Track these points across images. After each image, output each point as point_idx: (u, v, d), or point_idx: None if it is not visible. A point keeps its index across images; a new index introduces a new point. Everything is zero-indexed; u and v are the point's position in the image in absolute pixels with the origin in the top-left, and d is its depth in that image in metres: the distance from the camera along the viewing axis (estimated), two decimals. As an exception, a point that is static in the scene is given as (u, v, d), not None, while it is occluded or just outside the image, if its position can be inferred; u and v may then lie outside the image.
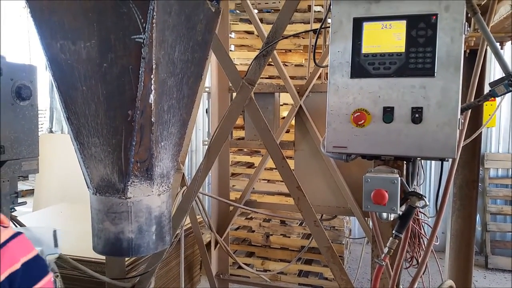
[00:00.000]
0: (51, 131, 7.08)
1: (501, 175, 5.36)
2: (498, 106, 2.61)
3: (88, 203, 1.39)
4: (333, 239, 4.23)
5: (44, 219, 3.47)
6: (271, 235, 4.44)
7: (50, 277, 0.93)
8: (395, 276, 1.46)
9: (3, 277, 0.80)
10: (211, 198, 3.31)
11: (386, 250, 1.35)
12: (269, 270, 4.31)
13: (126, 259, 2.29)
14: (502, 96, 1.48)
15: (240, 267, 4.24)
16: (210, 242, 3.32)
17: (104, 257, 2.25)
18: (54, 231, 1.52)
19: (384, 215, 1.32)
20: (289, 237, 4.38)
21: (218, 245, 3.28)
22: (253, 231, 4.53)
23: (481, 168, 5.07)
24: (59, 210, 3.84)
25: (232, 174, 4.47)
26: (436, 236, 2.55)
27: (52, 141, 5.78)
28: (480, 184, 3.35)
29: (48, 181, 5.06)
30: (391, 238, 1.35)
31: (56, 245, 1.66)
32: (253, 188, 3.71)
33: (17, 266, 0.83)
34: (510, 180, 5.28)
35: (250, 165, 4.59)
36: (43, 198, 4.95)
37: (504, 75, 1.41)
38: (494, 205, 5.23)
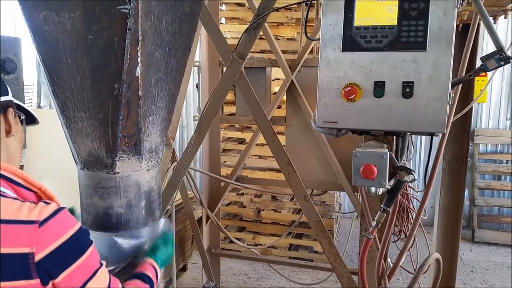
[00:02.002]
0: (39, 106, 6.98)
1: (490, 150, 5.42)
2: (489, 81, 2.61)
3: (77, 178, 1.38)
4: (323, 214, 4.28)
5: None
6: (262, 210, 4.48)
7: (92, 248, 0.98)
8: (382, 249, 1.49)
9: (42, 255, 0.83)
10: (202, 174, 3.31)
11: (374, 223, 1.37)
12: (260, 245, 4.37)
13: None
14: (493, 72, 1.47)
15: (231, 242, 4.29)
16: (201, 217, 3.34)
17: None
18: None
19: (373, 189, 1.33)
20: (280, 212, 4.43)
21: (210, 220, 3.30)
22: (244, 207, 4.57)
23: (470, 144, 5.12)
24: (50, 186, 3.82)
25: (223, 150, 4.46)
26: (425, 210, 2.59)
27: (40, 116, 5.71)
28: (469, 159, 3.39)
29: (38, 157, 5.02)
30: (379, 212, 1.36)
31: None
32: (244, 164, 3.71)
33: (58, 243, 0.87)
34: (499, 156, 5.35)
35: (241, 141, 4.59)
36: (33, 174, 4.91)
37: (496, 49, 1.40)
38: (483, 180, 5.32)
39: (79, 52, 1.17)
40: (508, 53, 1.37)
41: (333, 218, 4.31)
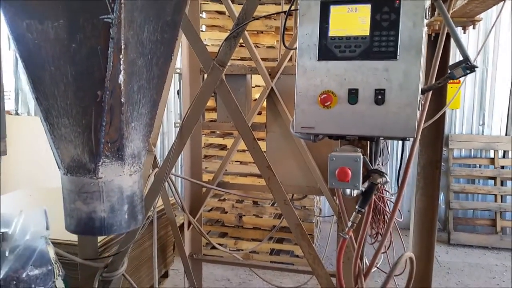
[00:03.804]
0: (17, 113, 6.87)
1: (464, 155, 5.60)
2: (459, 89, 2.72)
3: (57, 186, 1.39)
4: (303, 218, 4.35)
5: (12, 202, 3.41)
6: (244, 215, 4.51)
7: None
8: (358, 249, 1.55)
9: None
10: (183, 180, 3.33)
11: (349, 224, 1.43)
12: (242, 250, 4.40)
13: (99, 240, 2.31)
14: (464, 78, 1.56)
15: (213, 248, 4.31)
16: (183, 224, 3.35)
17: (75, 239, 2.25)
18: (45, 211, 1.51)
19: (348, 191, 1.39)
20: (261, 217, 4.47)
21: (191, 226, 3.31)
22: (226, 212, 4.60)
23: (445, 148, 5.28)
24: (27, 194, 3.78)
25: (205, 156, 4.49)
26: (400, 213, 2.67)
27: (18, 123, 5.63)
28: (443, 164, 3.51)
29: (15, 165, 4.94)
30: (354, 213, 1.42)
31: (47, 227, 1.67)
32: (226, 170, 3.75)
33: None
34: (473, 160, 5.53)
35: (222, 147, 4.62)
36: (11, 182, 4.84)
37: (462, 58, 1.49)
38: (457, 184, 5.48)
39: (62, 60, 1.20)
40: (479, 60, 1.46)
41: (313, 223, 4.38)
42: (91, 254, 2.21)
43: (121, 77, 1.21)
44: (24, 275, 1.65)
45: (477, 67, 1.48)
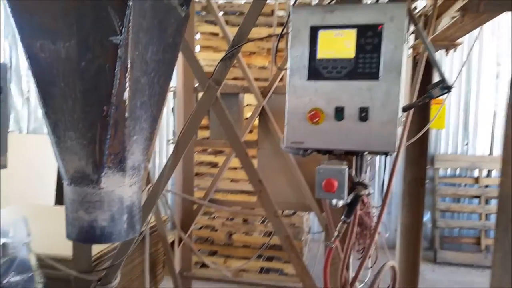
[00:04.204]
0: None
1: (449, 174, 5.75)
2: (440, 108, 2.87)
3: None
4: (293, 236, 4.41)
5: (3, 219, 3.42)
6: (234, 233, 4.57)
7: None
8: (344, 259, 1.63)
9: None
10: (174, 198, 3.40)
11: (336, 233, 1.52)
12: (232, 269, 4.43)
13: (93, 254, 2.35)
14: (449, 99, 1.68)
15: (203, 266, 4.34)
16: (173, 241, 3.39)
17: (68, 254, 2.29)
18: (25, 219, 1.57)
19: (334, 201, 1.49)
20: (251, 235, 4.53)
21: (182, 243, 3.36)
22: (216, 230, 4.65)
23: (429, 167, 5.42)
24: (18, 211, 3.79)
25: (197, 174, 4.56)
26: (386, 228, 2.76)
27: (10, 141, 5.65)
28: (427, 181, 3.63)
29: (6, 181, 4.94)
30: (340, 223, 1.52)
31: (29, 233, 1.72)
32: (217, 187, 3.82)
33: None
34: (458, 179, 5.68)
35: (214, 165, 4.70)
36: (1, 198, 4.83)
37: (440, 79, 1.62)
38: (443, 203, 5.61)
39: (72, 77, 1.29)
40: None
41: (302, 240, 4.44)
42: (85, 267, 2.25)
43: (126, 94, 1.30)
44: (5, 281, 1.69)
45: (453, 87, 1.61)
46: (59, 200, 6.20)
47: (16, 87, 6.73)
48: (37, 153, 6.22)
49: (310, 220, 5.27)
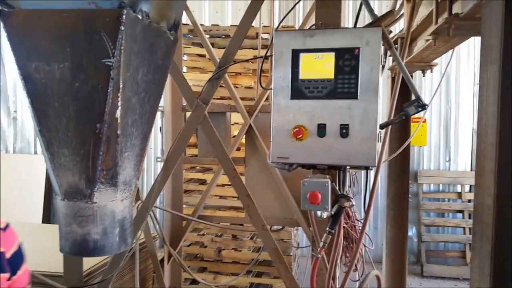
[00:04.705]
0: (-6, 151, 6.85)
1: (433, 189, 5.88)
2: (418, 126, 2.99)
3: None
4: (281, 251, 4.45)
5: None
6: (223, 249, 4.58)
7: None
8: (331, 269, 1.70)
9: (9, 254, 0.98)
10: (163, 215, 3.43)
11: (321, 244, 1.59)
12: (221, 285, 4.43)
13: (84, 269, 2.37)
14: (426, 116, 1.78)
15: (192, 282, 4.33)
16: (162, 259, 3.41)
17: (59, 271, 2.31)
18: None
19: (319, 213, 1.56)
20: (241, 251, 4.55)
21: (171, 259, 3.38)
22: (205, 247, 4.66)
23: (411, 182, 5.53)
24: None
25: (185, 191, 4.59)
26: (371, 241, 2.84)
27: (-3, 160, 5.64)
28: (410, 196, 3.73)
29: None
30: (325, 234, 1.59)
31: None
32: (206, 204, 3.86)
33: (16, 247, 1.01)
34: (441, 194, 5.81)
35: (202, 182, 4.75)
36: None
37: (414, 98, 1.72)
38: (428, 218, 5.72)
39: (66, 97, 1.36)
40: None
41: (291, 255, 4.48)
42: (77, 283, 2.27)
43: (118, 112, 1.37)
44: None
45: (427, 105, 1.71)
46: (46, 218, 6.16)
47: (2, 107, 6.72)
48: (24, 172, 6.20)
49: (299, 236, 5.32)
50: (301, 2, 5.58)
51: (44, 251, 2.57)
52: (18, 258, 1.06)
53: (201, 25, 3.71)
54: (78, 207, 1.44)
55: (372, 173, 1.78)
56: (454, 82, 5.78)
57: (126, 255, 2.58)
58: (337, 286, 1.86)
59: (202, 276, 4.56)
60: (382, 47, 1.62)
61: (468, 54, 5.69)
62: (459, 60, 5.70)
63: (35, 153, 6.76)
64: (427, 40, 2.21)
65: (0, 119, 6.69)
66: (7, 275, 1.01)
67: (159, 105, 3.29)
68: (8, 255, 1.02)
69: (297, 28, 4.35)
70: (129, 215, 1.56)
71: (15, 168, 6.15)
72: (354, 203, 1.60)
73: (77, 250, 1.44)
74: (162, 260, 3.42)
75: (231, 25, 4.84)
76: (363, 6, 1.80)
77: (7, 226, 1.07)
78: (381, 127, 1.70)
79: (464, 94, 5.78)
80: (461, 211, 5.67)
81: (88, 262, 2.48)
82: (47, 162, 1.45)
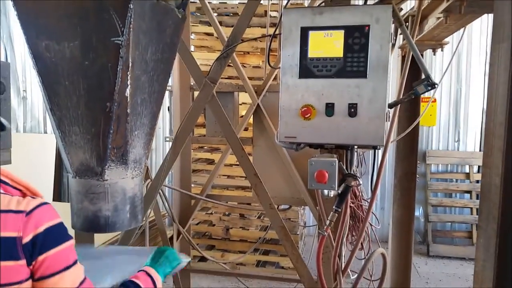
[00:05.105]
0: None
1: (441, 170, 5.86)
2: (427, 106, 2.96)
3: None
4: (289, 230, 4.50)
5: None
6: (231, 228, 4.65)
7: (71, 243, 1.08)
8: (337, 247, 1.72)
9: (27, 239, 0.98)
10: (172, 194, 3.47)
11: (327, 222, 1.61)
12: (229, 262, 4.52)
13: (95, 246, 2.43)
14: (435, 95, 1.77)
15: (201, 259, 4.42)
16: (171, 237, 3.47)
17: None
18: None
19: (325, 192, 1.57)
20: (248, 229, 4.62)
21: (180, 237, 3.44)
22: (214, 225, 4.73)
23: (419, 162, 5.52)
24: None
25: (193, 171, 4.64)
26: (377, 220, 2.85)
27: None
28: (418, 176, 3.72)
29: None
30: (331, 212, 1.60)
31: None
32: (214, 183, 3.90)
33: (41, 229, 1.01)
34: (449, 175, 5.79)
35: (210, 162, 4.79)
36: None
37: (424, 76, 1.71)
38: (435, 198, 5.72)
39: (76, 76, 1.37)
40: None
41: (298, 234, 4.54)
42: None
43: (128, 91, 1.39)
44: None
45: (437, 85, 1.70)
46: (56, 196, 6.28)
47: (12, 86, 6.77)
48: (34, 151, 6.28)
49: (306, 216, 5.37)
50: (310, -20, 5.48)
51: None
52: (42, 241, 1.03)
53: (209, 2, 3.67)
54: (90, 184, 1.47)
55: (380, 152, 1.78)
56: (465, 62, 5.69)
57: (136, 232, 2.64)
58: (342, 264, 1.89)
59: (210, 253, 4.65)
60: (393, 25, 1.60)
61: (480, 32, 5.57)
62: (470, 39, 5.59)
63: (45, 132, 6.83)
64: (438, 18, 2.17)
65: (10, 98, 6.73)
66: (22, 262, 1.00)
67: (167, 84, 3.31)
68: (26, 239, 1.00)
69: (306, 5, 4.30)
70: (139, 193, 1.59)
71: (25, 147, 6.23)
72: (361, 182, 1.61)
73: (89, 226, 1.47)
74: (171, 238, 3.48)
75: (239, 3, 4.77)
76: (374, -17, 1.77)
77: (36, 207, 1.04)
78: (390, 106, 1.69)
79: (475, 74, 5.69)
80: (469, 192, 5.66)
81: (99, 239, 2.54)
82: (58, 140, 1.47)
